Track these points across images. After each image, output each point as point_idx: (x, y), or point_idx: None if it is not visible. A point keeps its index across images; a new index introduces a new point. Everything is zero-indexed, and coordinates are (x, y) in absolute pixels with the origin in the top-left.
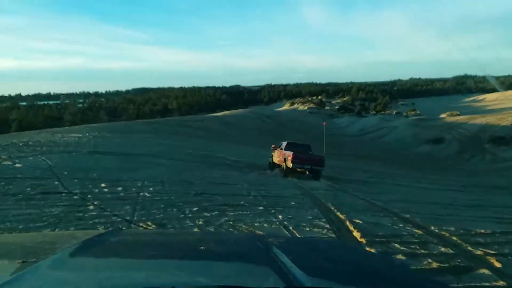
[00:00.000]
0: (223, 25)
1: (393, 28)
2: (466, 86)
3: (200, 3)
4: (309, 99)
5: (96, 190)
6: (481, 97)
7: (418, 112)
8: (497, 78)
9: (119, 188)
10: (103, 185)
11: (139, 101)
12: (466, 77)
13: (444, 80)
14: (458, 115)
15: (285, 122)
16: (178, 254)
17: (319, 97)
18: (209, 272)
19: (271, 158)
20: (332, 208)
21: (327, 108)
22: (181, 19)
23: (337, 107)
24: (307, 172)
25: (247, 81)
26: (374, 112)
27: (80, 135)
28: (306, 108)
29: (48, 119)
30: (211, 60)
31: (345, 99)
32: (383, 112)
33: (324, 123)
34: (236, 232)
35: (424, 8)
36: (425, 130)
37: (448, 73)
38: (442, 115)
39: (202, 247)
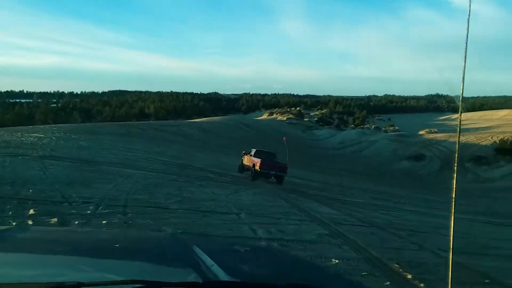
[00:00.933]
0: (205, 33)
1: (369, 44)
2: (438, 104)
3: (184, 10)
4: (288, 110)
5: (14, 223)
6: (454, 116)
7: (396, 127)
8: (468, 99)
9: (54, 219)
10: (31, 211)
11: (115, 104)
12: (438, 96)
13: (417, 98)
14: (436, 132)
15: (264, 131)
16: (90, 252)
17: (298, 108)
18: (121, 268)
19: (241, 162)
20: (409, 276)
21: (306, 119)
22: (163, 25)
23: (315, 119)
24: (273, 178)
25: (226, 89)
26: (353, 125)
27: (42, 135)
28: (285, 118)
29: (17, 118)
30: (191, 67)
31: (323, 111)
32: (362, 126)
33: (284, 138)
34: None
35: (399, 28)
36: (405, 146)
37: (421, 91)
38: (421, 132)
39: (117, 245)
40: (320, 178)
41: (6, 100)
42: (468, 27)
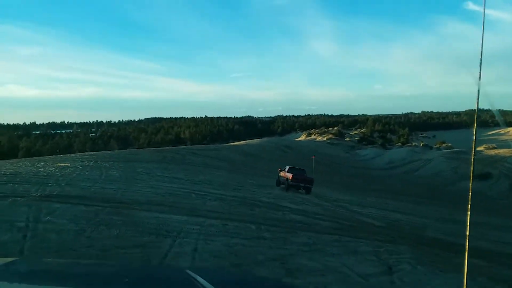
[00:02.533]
0: (234, 58)
1: (402, 62)
2: (482, 119)
3: (213, 37)
4: (326, 130)
5: None
6: (504, 130)
7: (449, 144)
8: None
9: None
10: None
11: (151, 130)
12: (479, 110)
13: (457, 114)
14: (496, 148)
15: (305, 153)
16: (102, 285)
17: (336, 128)
18: None
19: (277, 177)
20: None
21: (347, 139)
22: (194, 51)
23: (356, 138)
24: (302, 189)
25: (258, 113)
26: (399, 144)
27: (68, 164)
28: (325, 139)
29: (55, 148)
30: (222, 92)
31: (362, 130)
32: (409, 144)
33: (313, 156)
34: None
35: (432, 43)
36: (466, 164)
37: (459, 107)
38: (479, 148)
39: (126, 280)
40: (401, 207)
41: (47, 131)
42: (482, 38)
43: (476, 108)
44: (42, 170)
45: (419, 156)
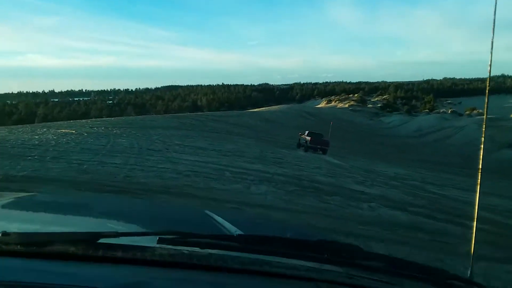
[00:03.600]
0: (250, 25)
1: (423, 27)
2: (508, 85)
3: (229, 4)
4: (347, 96)
5: None
6: None
7: (480, 110)
8: None
9: None
10: None
11: (168, 97)
12: (503, 76)
13: (481, 80)
14: None
15: (327, 120)
16: (119, 214)
17: (356, 95)
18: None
19: (298, 140)
20: None
21: (369, 106)
22: (210, 19)
23: (379, 105)
24: (319, 150)
25: (275, 80)
26: (426, 110)
27: (74, 130)
28: (346, 105)
29: (72, 114)
30: (239, 59)
31: (385, 97)
32: (437, 111)
33: (332, 122)
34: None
35: (456, 8)
36: (502, 131)
37: (482, 73)
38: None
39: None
40: (473, 185)
41: (65, 99)
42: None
43: (488, 76)
44: (37, 137)
45: (450, 123)
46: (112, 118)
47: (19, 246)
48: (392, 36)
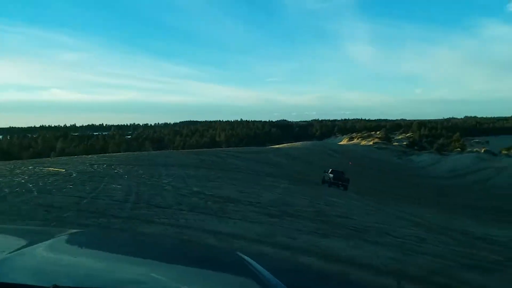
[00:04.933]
0: (268, 63)
1: (442, 66)
2: None
3: (248, 42)
4: (370, 134)
5: None
6: None
7: None
8: None
9: None
10: None
11: (186, 132)
12: None
13: (504, 119)
14: None
15: (352, 157)
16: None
17: (379, 132)
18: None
19: (323, 177)
20: None
21: (395, 143)
22: (228, 57)
23: (405, 143)
24: (340, 185)
25: (292, 117)
26: (457, 149)
27: (63, 169)
28: (371, 143)
29: (89, 149)
30: (257, 96)
31: (408, 134)
32: (469, 150)
33: (351, 163)
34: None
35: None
36: None
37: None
38: None
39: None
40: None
41: (86, 133)
42: None
43: None
44: (1, 180)
45: (487, 163)
46: (124, 153)
47: None
48: (411, 74)
